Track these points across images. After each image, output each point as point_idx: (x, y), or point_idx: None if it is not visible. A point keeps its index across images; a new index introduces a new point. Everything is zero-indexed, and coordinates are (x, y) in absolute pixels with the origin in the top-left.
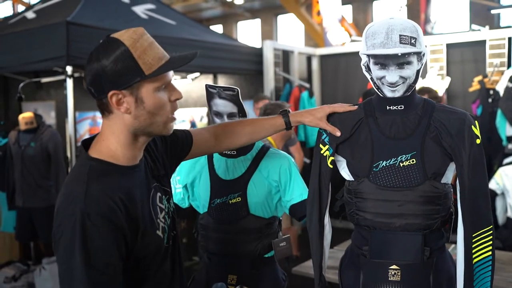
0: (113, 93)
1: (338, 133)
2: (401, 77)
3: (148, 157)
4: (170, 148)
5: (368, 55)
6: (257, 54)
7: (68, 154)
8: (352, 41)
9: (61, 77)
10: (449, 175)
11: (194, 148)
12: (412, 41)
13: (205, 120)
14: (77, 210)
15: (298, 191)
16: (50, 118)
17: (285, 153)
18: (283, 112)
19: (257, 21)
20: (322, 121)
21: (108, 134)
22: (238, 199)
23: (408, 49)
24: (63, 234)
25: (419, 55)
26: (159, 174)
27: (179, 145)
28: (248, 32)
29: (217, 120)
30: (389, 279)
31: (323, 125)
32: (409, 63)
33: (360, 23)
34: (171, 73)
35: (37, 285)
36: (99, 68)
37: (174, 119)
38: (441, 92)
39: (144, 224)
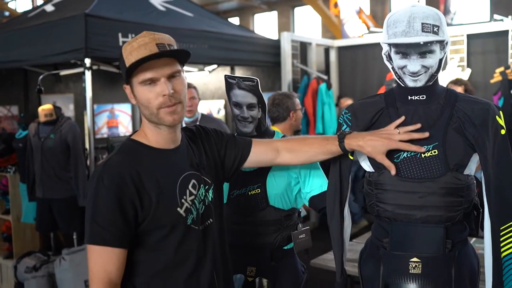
0: (124, 87)
1: (393, 171)
2: (423, 66)
3: (195, 148)
4: (228, 147)
5: (390, 44)
6: (275, 46)
7: (87, 146)
8: (370, 32)
9: (80, 69)
10: (472, 166)
11: (252, 156)
12: (435, 29)
13: (223, 112)
14: (96, 174)
15: (318, 183)
16: (68, 110)
17: None
18: (340, 136)
19: (274, 14)
20: (382, 156)
21: (142, 121)
22: (258, 190)
23: (431, 37)
24: (87, 194)
25: (442, 43)
26: (200, 165)
27: (236, 147)
28: (265, 25)
29: (236, 111)
30: (410, 271)
31: (381, 159)
32: (431, 52)
33: (378, 15)
34: (159, 70)
35: (57, 275)
36: None
37: (170, 111)
38: None
39: (160, 198)
